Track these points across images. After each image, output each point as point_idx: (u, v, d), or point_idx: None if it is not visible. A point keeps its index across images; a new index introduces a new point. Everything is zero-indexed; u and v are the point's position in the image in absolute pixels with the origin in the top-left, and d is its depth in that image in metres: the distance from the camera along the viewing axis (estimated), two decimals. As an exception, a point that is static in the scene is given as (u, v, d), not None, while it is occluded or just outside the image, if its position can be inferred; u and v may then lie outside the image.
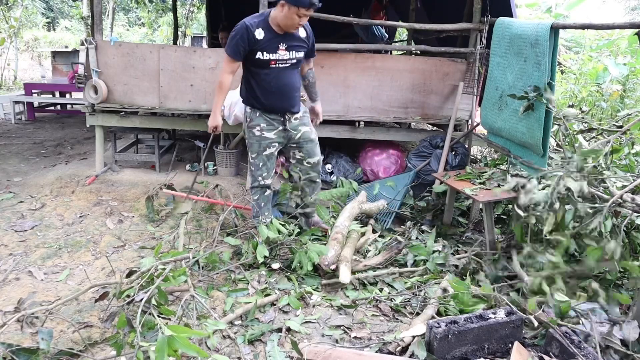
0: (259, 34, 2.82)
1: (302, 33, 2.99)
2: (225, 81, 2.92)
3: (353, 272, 2.90)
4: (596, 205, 2.42)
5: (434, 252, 3.17)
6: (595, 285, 2.33)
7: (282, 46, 2.90)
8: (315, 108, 3.37)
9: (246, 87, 3.04)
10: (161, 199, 4.03)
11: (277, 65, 2.93)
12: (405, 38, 8.59)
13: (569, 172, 2.50)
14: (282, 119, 3.06)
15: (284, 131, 3.09)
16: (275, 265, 2.95)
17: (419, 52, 5.40)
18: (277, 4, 2.80)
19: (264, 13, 2.92)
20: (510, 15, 4.07)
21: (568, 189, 2.52)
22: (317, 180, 3.30)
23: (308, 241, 2.98)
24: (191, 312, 2.33)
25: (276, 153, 3.14)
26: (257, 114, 3.01)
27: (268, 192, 3.19)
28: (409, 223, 3.74)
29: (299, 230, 3.32)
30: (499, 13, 3.93)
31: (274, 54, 2.89)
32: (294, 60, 2.99)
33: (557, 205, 2.51)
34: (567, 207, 2.54)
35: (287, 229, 3.17)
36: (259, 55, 2.86)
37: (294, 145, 3.17)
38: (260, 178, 3.12)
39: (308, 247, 2.89)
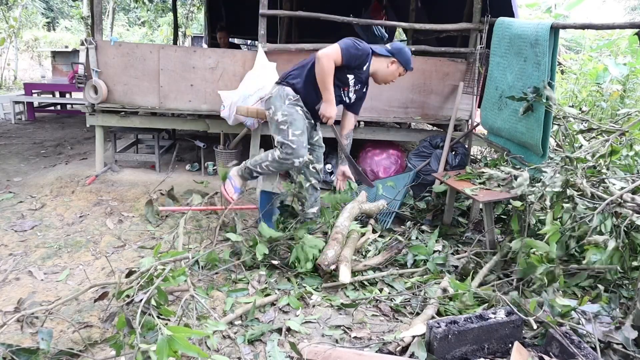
0: (366, 66, 2.99)
1: (364, 89, 3.20)
2: (332, 67, 2.83)
3: (353, 272, 2.90)
4: (596, 203, 2.43)
5: (434, 252, 3.18)
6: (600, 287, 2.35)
7: (357, 87, 3.07)
8: (345, 172, 3.43)
9: (308, 83, 2.99)
10: (161, 200, 4.03)
11: (342, 93, 3.05)
12: (404, 38, 8.58)
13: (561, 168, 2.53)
14: (311, 120, 3.16)
15: (311, 127, 3.18)
16: (275, 262, 2.94)
17: (412, 51, 5.39)
18: (381, 56, 2.99)
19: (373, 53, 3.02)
20: (511, 15, 4.07)
21: (564, 184, 2.54)
22: (318, 187, 3.33)
23: (304, 235, 2.98)
24: (191, 312, 2.33)
25: None
26: (300, 102, 3.03)
27: (287, 177, 3.24)
28: (409, 223, 3.74)
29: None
30: (499, 13, 3.93)
31: (353, 86, 3.05)
32: (347, 100, 3.16)
33: (547, 198, 2.54)
34: (567, 205, 2.55)
35: (285, 223, 3.19)
36: (350, 76, 2.97)
37: (307, 147, 3.17)
38: (298, 161, 2.97)
39: (304, 241, 2.89)
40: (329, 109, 2.91)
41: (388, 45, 3.04)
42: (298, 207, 3.36)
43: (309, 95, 2.97)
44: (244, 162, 3.21)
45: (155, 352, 1.68)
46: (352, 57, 2.85)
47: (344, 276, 2.71)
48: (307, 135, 3.04)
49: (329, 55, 2.80)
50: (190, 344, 1.75)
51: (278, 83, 3.07)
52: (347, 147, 3.35)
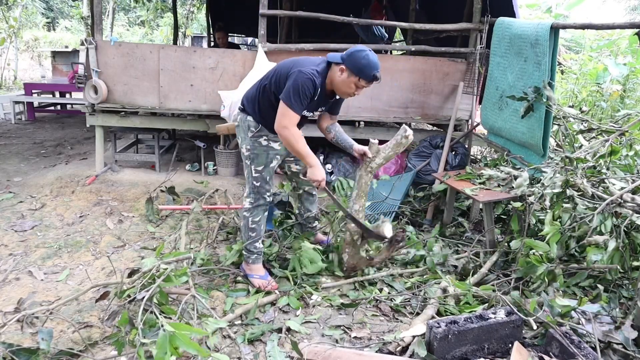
0: (319, 92, 2.57)
1: (329, 101, 2.78)
2: (298, 133, 2.56)
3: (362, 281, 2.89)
4: (596, 203, 2.43)
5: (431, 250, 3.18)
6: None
7: (321, 109, 2.75)
8: (358, 150, 2.87)
9: (263, 110, 2.69)
10: (161, 199, 4.03)
11: (304, 118, 2.74)
12: (402, 39, 8.57)
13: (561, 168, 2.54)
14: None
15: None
16: (277, 272, 2.94)
17: (411, 51, 5.39)
18: (335, 64, 2.56)
19: (324, 68, 2.59)
20: (511, 15, 4.07)
21: (564, 184, 2.54)
22: (314, 192, 3.18)
23: (302, 246, 2.98)
24: (192, 312, 2.34)
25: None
26: (263, 130, 2.74)
27: (267, 212, 2.94)
28: (404, 221, 3.74)
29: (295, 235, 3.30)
30: (499, 13, 3.93)
31: (310, 113, 2.70)
32: (314, 115, 2.83)
33: (547, 199, 2.55)
34: (566, 205, 2.55)
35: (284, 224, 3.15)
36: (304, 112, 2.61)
37: (292, 158, 3.00)
38: (267, 194, 2.82)
39: (301, 253, 2.91)
40: (316, 173, 2.60)
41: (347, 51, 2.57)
42: (296, 207, 3.31)
43: (270, 121, 2.64)
44: (241, 249, 2.93)
45: (156, 348, 1.68)
46: (303, 102, 2.51)
47: (387, 230, 2.76)
48: (274, 165, 2.81)
49: (287, 125, 2.51)
50: (190, 341, 1.75)
51: (241, 109, 2.80)
52: (341, 136, 2.92)
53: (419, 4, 6.33)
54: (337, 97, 2.75)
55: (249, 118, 2.72)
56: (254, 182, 2.80)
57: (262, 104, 2.68)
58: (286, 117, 2.50)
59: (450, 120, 4.20)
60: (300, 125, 2.80)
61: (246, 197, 2.88)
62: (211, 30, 9.34)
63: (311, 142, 3.12)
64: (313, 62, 2.60)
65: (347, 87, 2.56)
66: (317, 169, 2.61)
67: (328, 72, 2.60)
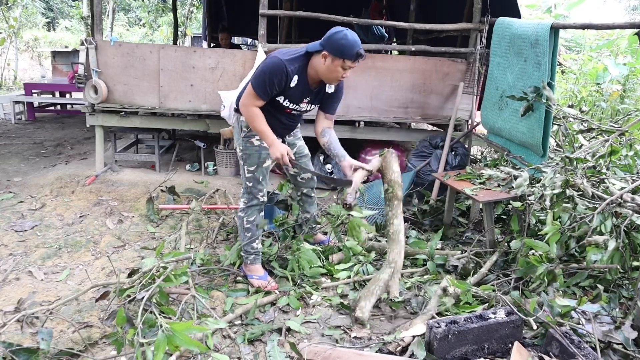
0: (294, 81, 2.52)
1: (330, 89, 2.71)
2: (256, 111, 2.56)
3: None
4: (596, 203, 2.43)
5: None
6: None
7: (306, 100, 2.68)
8: (350, 164, 2.77)
9: None
10: (161, 199, 4.03)
11: (291, 112, 2.73)
12: (396, 40, 8.55)
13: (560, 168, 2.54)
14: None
15: None
16: (277, 272, 2.94)
17: (411, 51, 5.38)
18: (316, 52, 2.51)
19: (301, 56, 2.55)
20: (516, 14, 4.07)
21: (564, 184, 2.54)
22: (312, 194, 3.19)
23: (301, 247, 2.98)
24: (192, 312, 2.34)
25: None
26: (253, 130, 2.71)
27: (262, 212, 2.93)
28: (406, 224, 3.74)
29: (293, 234, 3.30)
30: (500, 13, 3.92)
31: (295, 105, 2.67)
32: (311, 111, 2.81)
33: (547, 199, 2.55)
34: (566, 205, 2.55)
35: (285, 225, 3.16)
36: (280, 99, 2.60)
37: (264, 181, 2.91)
38: (260, 195, 2.83)
39: (300, 254, 2.91)
40: (273, 151, 2.58)
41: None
42: (296, 211, 3.28)
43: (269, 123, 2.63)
44: (240, 250, 2.94)
45: (153, 349, 1.69)
46: (269, 88, 2.50)
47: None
48: (267, 165, 2.79)
49: (247, 104, 2.55)
50: (190, 338, 1.75)
51: (235, 110, 2.80)
52: (334, 145, 2.81)
53: (418, 4, 6.32)
54: (327, 88, 2.69)
55: (242, 118, 2.73)
56: (247, 182, 2.82)
57: None
58: (248, 97, 2.56)
59: (451, 120, 4.19)
60: (292, 119, 2.80)
61: (241, 197, 2.91)
62: (209, 31, 9.34)
63: (312, 141, 3.12)
64: (289, 51, 2.61)
65: (334, 72, 2.49)
66: (274, 147, 2.58)
67: (309, 61, 2.56)
